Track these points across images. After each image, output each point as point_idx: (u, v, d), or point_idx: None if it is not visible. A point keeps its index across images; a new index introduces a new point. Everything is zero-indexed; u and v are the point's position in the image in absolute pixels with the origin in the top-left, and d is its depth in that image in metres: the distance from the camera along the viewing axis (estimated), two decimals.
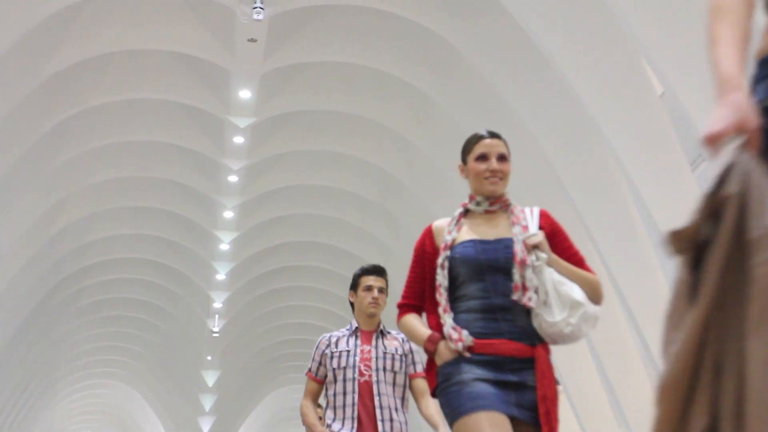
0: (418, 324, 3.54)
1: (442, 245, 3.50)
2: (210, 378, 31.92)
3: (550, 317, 3.32)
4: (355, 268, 5.32)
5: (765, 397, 1.37)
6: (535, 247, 3.40)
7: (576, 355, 14.27)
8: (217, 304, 27.43)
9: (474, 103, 15.18)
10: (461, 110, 15.52)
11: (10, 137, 16.23)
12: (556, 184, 13.27)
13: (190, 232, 24.12)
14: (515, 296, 3.34)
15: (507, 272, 3.38)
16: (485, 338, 3.33)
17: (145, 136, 19.61)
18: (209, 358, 30.80)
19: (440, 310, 3.43)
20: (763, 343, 1.40)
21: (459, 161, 3.65)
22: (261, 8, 14.92)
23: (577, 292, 3.37)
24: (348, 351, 5.03)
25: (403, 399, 5.01)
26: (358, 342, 5.07)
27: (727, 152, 1.55)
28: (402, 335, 5.08)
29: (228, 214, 22.82)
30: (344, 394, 4.94)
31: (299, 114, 18.87)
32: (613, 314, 13.20)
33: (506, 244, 3.43)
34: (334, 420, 4.93)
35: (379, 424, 4.85)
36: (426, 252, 3.55)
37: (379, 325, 5.15)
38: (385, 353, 5.02)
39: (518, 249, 3.39)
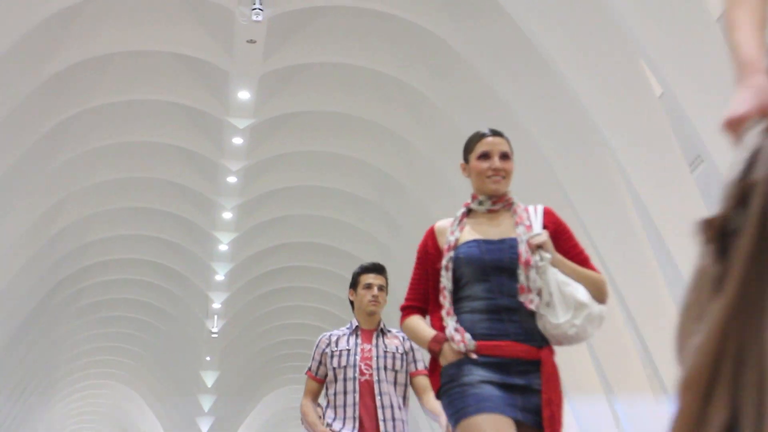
0: (423, 325, 3.48)
1: (445, 246, 3.45)
2: (209, 378, 31.92)
3: (554, 318, 3.28)
4: (354, 269, 5.27)
5: None
6: (539, 247, 3.36)
7: (575, 355, 14.28)
8: (216, 305, 27.44)
9: (473, 103, 15.19)
10: (460, 111, 15.53)
11: (10, 138, 16.24)
12: (555, 184, 13.28)
13: (190, 232, 24.12)
14: (522, 298, 3.30)
15: (512, 273, 3.33)
16: (491, 340, 3.28)
17: (145, 137, 19.62)
18: (208, 358, 30.80)
19: (443, 312, 3.38)
20: None
21: (461, 160, 3.60)
22: (260, 9, 14.93)
23: (581, 293, 3.32)
24: (348, 350, 4.97)
25: (404, 398, 4.96)
26: (359, 341, 5.01)
27: (751, 136, 1.51)
28: (403, 333, 4.96)
29: (227, 215, 22.83)
30: (345, 393, 4.88)
31: (298, 115, 18.88)
32: (612, 315, 13.21)
33: (511, 244, 3.38)
34: (334, 419, 4.87)
35: (381, 424, 4.80)
36: (429, 253, 3.50)
37: (379, 324, 5.09)
38: (385, 352, 4.96)
39: (523, 249, 3.35)
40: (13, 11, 13.66)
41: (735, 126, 1.54)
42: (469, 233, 3.45)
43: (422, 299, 3.51)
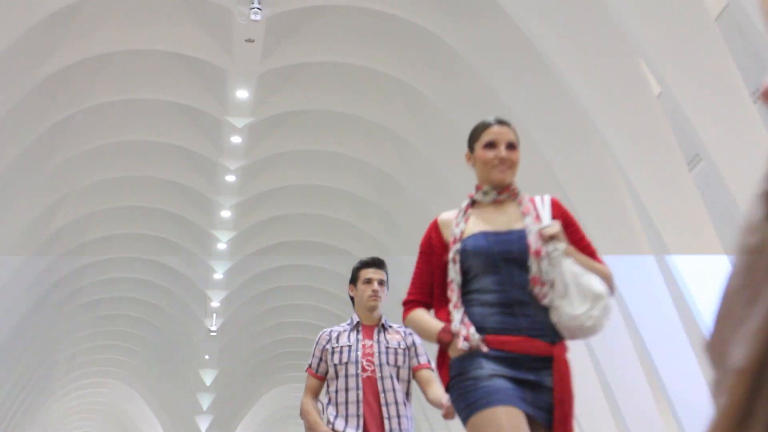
0: (428, 317, 3.34)
1: (451, 239, 3.32)
2: (207, 377, 31.91)
3: (571, 309, 3.15)
4: (354, 264, 5.17)
5: None
6: (552, 237, 3.24)
7: (573, 355, 14.27)
8: (215, 303, 27.44)
9: (472, 103, 15.19)
10: (459, 111, 15.53)
11: (8, 137, 16.24)
12: (553, 183, 13.29)
13: (188, 231, 24.12)
14: (535, 289, 3.18)
15: (522, 264, 3.22)
16: (502, 334, 3.17)
17: (143, 136, 19.62)
18: (207, 357, 30.80)
19: (450, 306, 3.26)
20: None
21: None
22: (258, 9, 14.94)
23: (597, 284, 3.21)
24: (349, 346, 4.86)
25: (407, 394, 4.85)
26: (360, 337, 4.90)
27: None
28: (404, 329, 4.94)
29: (225, 214, 22.84)
30: (347, 390, 4.77)
31: (297, 114, 18.89)
32: (611, 314, 13.20)
33: (519, 235, 3.26)
34: (336, 417, 4.77)
35: (386, 421, 4.70)
36: (433, 246, 3.37)
37: (380, 320, 4.99)
38: (387, 347, 4.85)
39: (532, 240, 3.23)
40: (13, 10, 13.66)
41: None
42: (475, 224, 3.34)
43: (426, 293, 3.38)
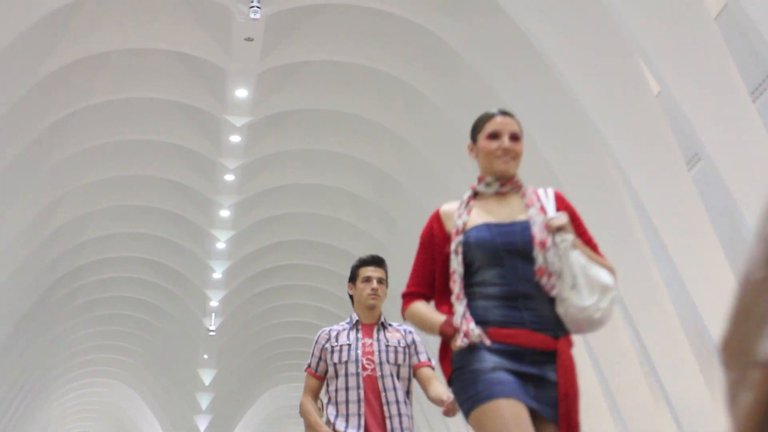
0: (429, 310, 3.27)
1: (453, 230, 3.25)
2: (206, 376, 31.91)
3: (579, 301, 3.10)
4: (353, 263, 5.14)
5: None
6: (559, 229, 3.18)
7: (573, 355, 14.27)
8: (214, 303, 27.44)
9: (471, 102, 15.18)
10: (458, 110, 15.53)
11: (7, 136, 16.23)
12: (553, 183, 13.29)
13: (187, 230, 24.12)
14: (542, 281, 3.12)
15: (526, 256, 3.16)
16: (506, 327, 3.10)
17: (142, 135, 19.62)
18: (206, 356, 30.79)
19: (453, 298, 3.18)
20: None
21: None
22: (258, 7, 14.93)
23: (605, 276, 3.17)
24: (349, 345, 4.81)
25: (408, 393, 4.80)
26: (359, 335, 4.84)
27: None
28: (404, 327, 4.91)
29: (224, 213, 22.83)
30: (347, 389, 4.72)
31: (296, 113, 18.88)
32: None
33: (523, 227, 3.20)
34: (336, 416, 4.71)
35: (387, 421, 4.65)
36: (435, 237, 3.30)
37: (380, 318, 4.93)
38: (387, 346, 4.80)
39: (537, 231, 3.17)
40: (12, 9, 13.65)
41: None
42: (478, 216, 3.27)
43: (426, 285, 3.32)
